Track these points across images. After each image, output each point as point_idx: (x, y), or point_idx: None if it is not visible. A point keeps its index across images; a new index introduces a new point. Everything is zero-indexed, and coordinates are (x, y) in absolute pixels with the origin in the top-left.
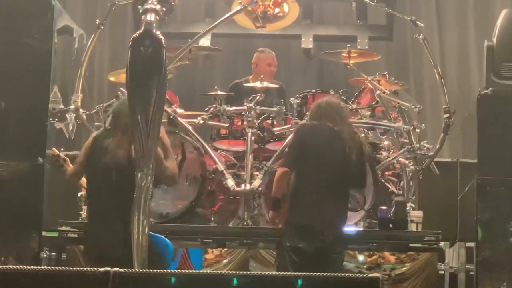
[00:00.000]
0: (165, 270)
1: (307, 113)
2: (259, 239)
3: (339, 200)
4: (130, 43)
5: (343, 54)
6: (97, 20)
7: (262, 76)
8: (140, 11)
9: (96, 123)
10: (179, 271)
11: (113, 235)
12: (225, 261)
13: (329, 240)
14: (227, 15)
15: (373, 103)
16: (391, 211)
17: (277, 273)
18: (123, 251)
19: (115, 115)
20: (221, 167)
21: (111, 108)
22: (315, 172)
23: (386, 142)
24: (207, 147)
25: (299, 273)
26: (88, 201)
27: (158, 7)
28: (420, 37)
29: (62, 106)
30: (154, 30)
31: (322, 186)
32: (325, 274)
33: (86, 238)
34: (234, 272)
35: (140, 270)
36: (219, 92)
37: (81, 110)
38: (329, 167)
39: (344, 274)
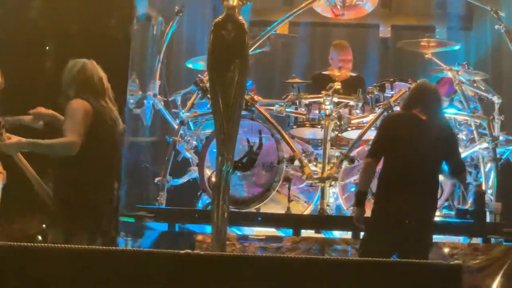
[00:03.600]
0: (241, 254)
1: (390, 100)
2: (335, 227)
3: (427, 190)
4: (212, 28)
5: (422, 44)
6: (176, 7)
7: (340, 65)
8: None
9: (173, 110)
10: (256, 254)
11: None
12: (300, 249)
13: (418, 232)
14: (306, 3)
15: (452, 93)
16: (469, 202)
17: (358, 258)
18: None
19: None
20: (298, 154)
21: None
22: (400, 163)
23: (464, 132)
24: (284, 134)
25: (378, 259)
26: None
27: None
28: (501, 27)
29: (140, 93)
30: (236, 15)
31: (409, 176)
32: (406, 260)
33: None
34: (312, 256)
35: (218, 252)
36: (297, 80)
37: (158, 96)
38: (414, 158)
39: (425, 261)
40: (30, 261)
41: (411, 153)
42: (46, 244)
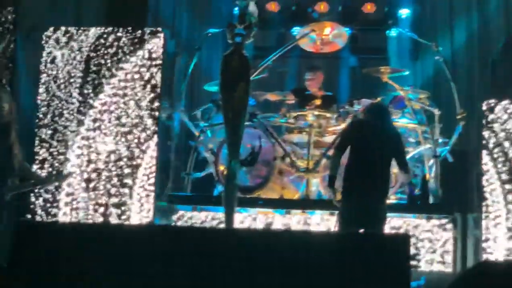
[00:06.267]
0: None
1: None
2: (317, 208)
3: (380, 177)
4: (223, 59)
5: (381, 70)
6: (196, 46)
7: (319, 87)
8: (230, 35)
9: (195, 121)
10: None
11: None
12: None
13: (375, 205)
14: (292, 41)
15: (403, 107)
16: (417, 189)
17: (321, 231)
18: None
19: None
20: (289, 154)
21: None
22: (360, 156)
23: (413, 137)
24: (278, 139)
25: (337, 232)
26: None
27: (244, 32)
28: (440, 58)
29: (171, 109)
30: (242, 50)
31: (366, 165)
32: (361, 232)
33: None
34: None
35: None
36: (287, 99)
37: (183, 112)
38: (370, 152)
39: (378, 232)
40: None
41: (368, 148)
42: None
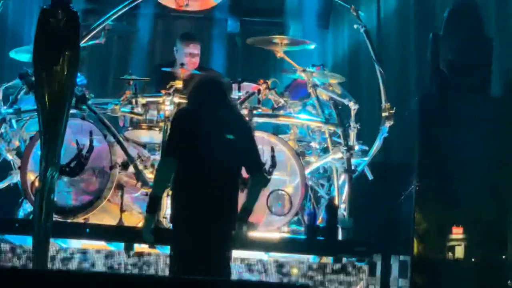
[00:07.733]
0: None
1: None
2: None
3: (226, 192)
4: (40, 15)
5: (274, 41)
6: None
7: (184, 64)
8: None
9: None
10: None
11: None
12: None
13: (218, 239)
14: None
15: (305, 97)
16: (320, 217)
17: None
18: None
19: None
20: (134, 159)
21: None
22: (197, 163)
23: (317, 140)
24: (118, 137)
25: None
26: None
27: None
28: (361, 26)
29: None
30: (69, 3)
31: (205, 178)
32: (260, 281)
33: None
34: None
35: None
36: (134, 77)
37: None
38: (210, 156)
39: (277, 282)
40: None
41: (201, 152)
42: None
